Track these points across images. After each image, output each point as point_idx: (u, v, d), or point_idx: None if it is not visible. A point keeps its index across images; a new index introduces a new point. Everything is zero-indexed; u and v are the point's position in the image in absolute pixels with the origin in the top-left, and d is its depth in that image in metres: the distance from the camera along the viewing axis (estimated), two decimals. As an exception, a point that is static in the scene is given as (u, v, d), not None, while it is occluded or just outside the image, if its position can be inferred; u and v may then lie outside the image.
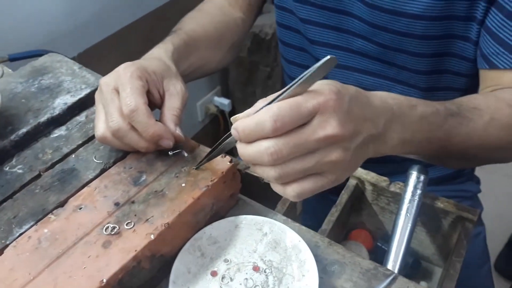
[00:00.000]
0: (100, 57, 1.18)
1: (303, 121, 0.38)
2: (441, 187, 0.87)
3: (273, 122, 0.36)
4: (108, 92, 0.50)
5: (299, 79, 0.38)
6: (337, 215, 0.65)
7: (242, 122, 0.39)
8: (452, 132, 0.51)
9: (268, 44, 1.47)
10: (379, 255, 0.73)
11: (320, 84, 0.40)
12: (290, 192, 0.40)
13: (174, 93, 0.54)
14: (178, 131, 0.51)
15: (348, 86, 0.41)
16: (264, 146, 0.38)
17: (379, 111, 0.44)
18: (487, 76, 0.63)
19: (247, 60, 1.50)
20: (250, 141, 0.39)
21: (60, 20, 1.07)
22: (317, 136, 0.38)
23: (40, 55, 0.74)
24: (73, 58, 1.13)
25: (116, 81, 0.50)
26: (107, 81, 0.51)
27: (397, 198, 0.68)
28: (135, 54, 1.34)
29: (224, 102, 1.62)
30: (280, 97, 0.38)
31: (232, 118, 0.42)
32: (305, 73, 0.37)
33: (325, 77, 0.78)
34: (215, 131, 1.71)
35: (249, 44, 1.46)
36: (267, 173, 0.40)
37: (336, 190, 0.60)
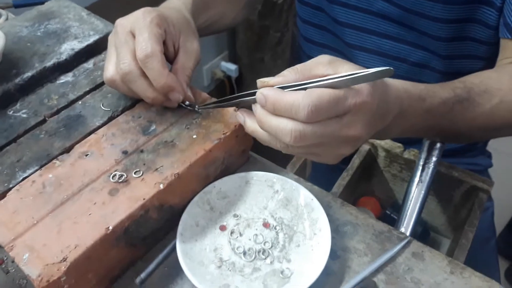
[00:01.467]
0: (106, 12, 1.14)
1: (336, 115, 0.38)
2: (452, 159, 0.85)
3: (310, 110, 0.36)
4: (124, 34, 0.47)
5: (349, 75, 0.37)
6: (348, 179, 0.64)
7: (274, 94, 0.38)
8: (456, 118, 0.52)
9: (279, 8, 1.43)
10: (387, 222, 0.72)
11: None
12: (285, 151, 0.41)
13: (189, 52, 0.52)
14: (189, 93, 0.49)
15: (379, 84, 0.41)
16: (290, 127, 0.37)
17: (391, 107, 0.44)
18: (508, 46, 0.60)
19: (257, 24, 1.46)
20: (276, 113, 0.38)
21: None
22: (343, 133, 0.38)
23: (45, 2, 0.71)
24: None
25: (133, 24, 0.47)
26: (123, 23, 0.48)
27: (411, 166, 0.66)
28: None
29: (231, 67, 1.59)
30: (320, 84, 0.37)
31: (259, 81, 0.40)
32: (356, 72, 0.37)
33: (337, 36, 0.75)
34: (220, 96, 1.68)
35: (259, 7, 1.42)
36: (275, 143, 0.40)
37: (348, 157, 0.58)
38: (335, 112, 0.38)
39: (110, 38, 0.50)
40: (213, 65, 1.59)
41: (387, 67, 0.37)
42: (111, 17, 1.17)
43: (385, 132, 0.47)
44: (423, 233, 0.70)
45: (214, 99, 0.52)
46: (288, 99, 0.37)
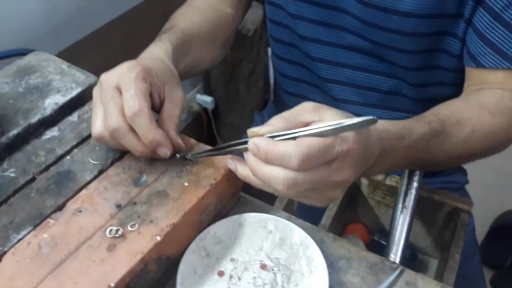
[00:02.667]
0: (81, 56, 1.14)
1: (325, 162, 0.40)
2: (429, 179, 0.88)
3: (301, 160, 0.38)
4: (109, 90, 0.48)
5: (336, 124, 0.39)
6: (335, 210, 0.65)
7: (266, 143, 0.40)
8: (434, 150, 0.55)
9: (250, 40, 1.47)
10: (375, 249, 0.74)
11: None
12: (277, 194, 0.44)
13: (175, 101, 0.52)
14: (179, 140, 0.50)
15: (363, 131, 0.43)
16: (283, 176, 0.40)
17: (373, 149, 0.47)
18: (473, 74, 0.64)
19: (229, 57, 1.49)
20: (268, 162, 0.41)
21: (38, 19, 1.04)
22: (332, 179, 0.41)
23: (23, 54, 0.71)
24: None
25: (119, 79, 0.48)
26: (108, 78, 0.49)
27: (393, 192, 0.68)
28: (115, 52, 1.31)
29: (207, 99, 1.60)
30: (309, 132, 0.40)
31: (249, 131, 0.42)
32: (341, 121, 0.39)
33: (311, 71, 0.77)
34: (198, 129, 1.69)
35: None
36: (268, 188, 0.43)
37: None
38: (324, 160, 0.40)
39: (94, 92, 0.50)
40: (189, 98, 1.60)
41: (371, 117, 0.39)
42: (85, 58, 1.17)
43: (369, 172, 0.49)
44: (411, 255, 0.72)
45: (202, 145, 0.54)
46: (280, 149, 0.40)
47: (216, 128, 1.69)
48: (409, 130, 0.53)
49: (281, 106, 0.93)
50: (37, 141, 0.55)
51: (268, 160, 0.40)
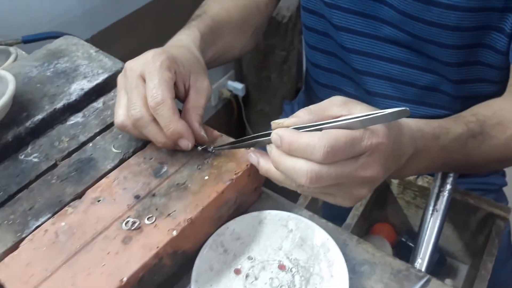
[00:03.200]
0: (113, 40, 1.15)
1: (352, 156, 0.38)
2: (465, 179, 0.84)
3: (326, 151, 0.36)
4: (134, 78, 0.47)
5: (365, 115, 0.37)
6: (361, 209, 0.63)
7: (290, 134, 0.38)
8: (472, 153, 0.52)
9: (284, 27, 1.43)
10: (402, 250, 0.71)
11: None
12: (299, 191, 0.42)
13: (200, 91, 0.51)
14: (202, 132, 0.48)
15: (394, 125, 0.41)
16: (306, 168, 0.37)
17: (406, 147, 0.44)
18: None
19: (262, 43, 1.47)
20: (291, 154, 0.38)
21: (71, 2, 1.04)
22: (359, 174, 0.38)
23: (54, 37, 0.72)
24: (87, 40, 1.11)
25: (143, 67, 0.47)
26: (133, 66, 0.48)
27: (425, 193, 0.65)
28: (147, 37, 1.31)
29: (238, 86, 1.59)
30: (336, 124, 0.37)
31: (273, 122, 0.40)
32: (372, 112, 0.37)
33: (344, 62, 0.74)
34: (228, 116, 1.68)
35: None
36: (290, 183, 0.40)
37: None
38: (351, 153, 0.38)
39: (119, 80, 0.50)
40: (219, 84, 1.59)
41: (403, 108, 0.37)
42: (117, 42, 1.17)
43: (401, 172, 0.47)
44: (440, 259, 0.69)
45: (225, 137, 0.52)
46: (304, 140, 0.37)
47: (246, 116, 1.68)
48: (444, 130, 0.50)
49: (311, 97, 0.90)
50: (61, 127, 0.55)
51: (291, 151, 0.38)
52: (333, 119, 0.39)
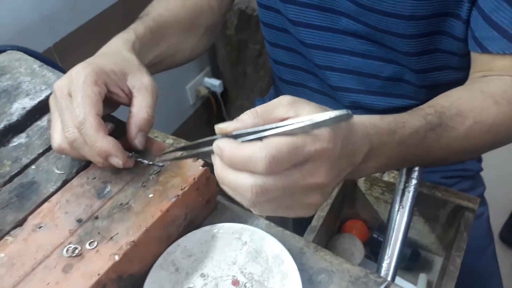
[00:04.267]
0: (78, 47, 1.12)
1: (295, 164, 0.36)
2: (440, 167, 0.83)
3: (268, 163, 0.34)
4: (63, 98, 0.45)
5: (306, 121, 0.34)
6: (327, 210, 0.61)
7: (230, 148, 0.36)
8: (431, 146, 0.50)
9: (256, 20, 1.40)
10: (375, 247, 0.69)
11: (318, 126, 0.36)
12: (255, 211, 0.38)
13: (142, 89, 0.49)
14: (138, 139, 0.46)
15: (341, 125, 0.38)
16: (250, 183, 0.35)
17: (359, 145, 0.42)
18: (478, 60, 0.58)
19: (235, 38, 1.44)
20: (234, 168, 0.36)
21: (30, 10, 1.01)
22: (306, 182, 0.36)
23: (2, 51, 0.69)
24: (49, 49, 1.08)
25: (69, 86, 0.45)
26: (60, 86, 0.46)
27: (392, 188, 0.63)
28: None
29: (215, 83, 1.56)
30: (275, 131, 0.35)
31: (216, 127, 0.38)
32: (313, 116, 0.35)
33: (306, 58, 0.71)
34: (208, 114, 1.66)
35: (236, 21, 1.39)
36: (240, 199, 0.38)
37: None
38: (295, 161, 0.36)
39: (51, 102, 0.47)
40: (196, 82, 1.56)
41: (345, 111, 0.34)
42: (84, 48, 1.14)
43: (358, 172, 0.44)
44: (413, 254, 0.68)
45: (172, 148, 0.50)
46: (244, 153, 0.35)
47: (226, 112, 1.65)
48: (400, 124, 0.48)
49: (279, 94, 0.88)
50: (3, 149, 0.52)
51: (233, 165, 0.36)
52: (280, 121, 0.37)
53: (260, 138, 0.36)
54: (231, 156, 0.36)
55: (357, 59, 0.68)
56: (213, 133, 0.46)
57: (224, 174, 0.37)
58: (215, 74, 1.61)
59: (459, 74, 0.67)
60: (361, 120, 0.45)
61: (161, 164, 0.47)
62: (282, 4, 0.68)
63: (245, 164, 0.35)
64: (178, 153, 0.44)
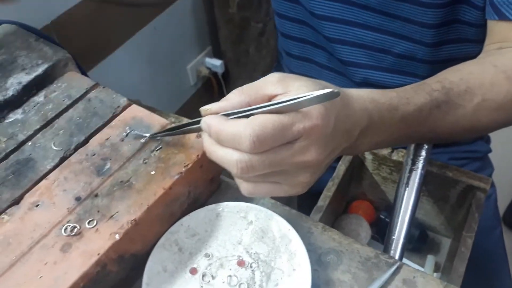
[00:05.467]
0: (76, 23, 1.09)
1: (284, 143, 0.34)
2: (448, 148, 0.81)
3: (252, 141, 0.33)
4: None
5: (292, 99, 0.33)
6: (334, 190, 0.59)
7: (216, 124, 0.35)
8: (436, 124, 0.48)
9: (258, -2, 1.37)
10: (382, 228, 0.68)
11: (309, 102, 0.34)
12: (243, 188, 0.38)
13: None
14: None
15: (335, 101, 0.36)
16: (235, 158, 0.34)
17: (355, 121, 0.40)
18: (494, 28, 0.55)
19: (237, 16, 1.40)
20: (221, 144, 0.35)
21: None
22: (295, 160, 0.35)
23: (-2, 25, 0.66)
24: (47, 26, 1.05)
25: None
26: None
27: (400, 168, 0.61)
28: (115, 18, 1.24)
29: (216, 63, 1.53)
30: (265, 109, 0.34)
31: (201, 109, 0.37)
32: (301, 95, 0.33)
33: (316, 30, 0.69)
34: (209, 95, 1.63)
35: (237, -2, 1.36)
36: (228, 169, 0.36)
37: (334, 164, 0.54)
38: (282, 139, 0.34)
39: None
40: (197, 62, 1.53)
41: (332, 90, 0.33)
42: (81, 25, 1.11)
43: (355, 147, 0.43)
44: (421, 235, 0.66)
45: (174, 124, 0.48)
46: (229, 130, 0.34)
47: (227, 93, 1.62)
48: (404, 100, 0.46)
49: (284, 71, 0.85)
50: (-1, 126, 0.50)
51: (220, 141, 0.35)
52: (268, 99, 0.36)
53: (248, 116, 0.34)
54: (217, 132, 0.35)
55: (368, 32, 0.66)
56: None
57: (211, 149, 0.36)
58: (217, 54, 1.58)
59: (473, 48, 0.64)
60: (358, 94, 0.43)
61: (158, 138, 0.46)
62: None
63: (230, 141, 0.34)
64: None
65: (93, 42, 1.15)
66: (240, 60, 1.53)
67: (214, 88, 1.59)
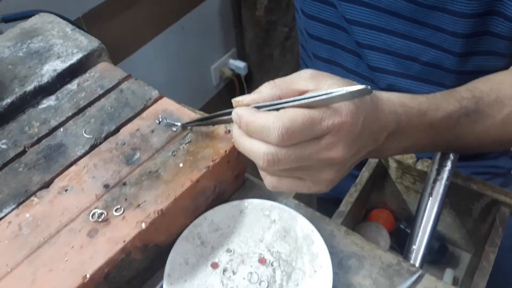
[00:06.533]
0: (106, 18, 1.11)
1: (312, 138, 0.35)
2: (471, 162, 0.80)
3: (280, 134, 0.33)
4: None
5: (324, 94, 0.33)
6: (356, 196, 0.59)
7: (247, 114, 0.35)
8: (464, 131, 0.48)
9: (286, 2, 1.38)
10: (401, 237, 0.67)
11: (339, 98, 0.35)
12: (268, 181, 0.38)
13: None
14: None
15: (366, 100, 0.37)
16: (263, 150, 0.35)
17: (384, 124, 0.40)
18: None
19: (263, 19, 1.41)
20: (250, 135, 0.36)
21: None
22: (321, 156, 0.35)
23: (31, 16, 0.68)
24: (77, 19, 1.07)
25: None
26: None
27: (424, 178, 0.61)
28: (143, 14, 1.26)
29: (239, 65, 1.54)
30: (296, 103, 0.34)
31: (233, 100, 0.37)
32: (332, 90, 0.33)
33: (348, 34, 0.69)
34: (230, 96, 1.63)
35: (266, 2, 1.37)
36: (255, 161, 0.37)
37: (359, 163, 0.54)
38: (311, 134, 0.35)
39: None
40: (221, 63, 1.54)
41: (364, 86, 0.33)
42: (111, 20, 1.13)
43: (381, 151, 0.43)
44: (440, 248, 0.65)
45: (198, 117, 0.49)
46: (259, 122, 0.34)
47: (249, 95, 1.63)
48: (433, 105, 0.46)
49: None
50: (32, 111, 0.51)
51: (249, 132, 0.36)
52: (299, 94, 0.36)
53: (279, 109, 0.35)
54: (247, 122, 0.35)
55: (397, 39, 0.66)
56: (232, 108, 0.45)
57: (240, 140, 0.37)
58: (241, 56, 1.59)
59: (502, 61, 0.64)
60: (389, 97, 0.43)
61: (189, 127, 0.46)
62: None
63: (259, 132, 0.35)
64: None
65: (121, 37, 1.17)
66: (263, 63, 1.53)
67: (236, 89, 1.60)
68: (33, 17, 0.62)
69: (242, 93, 1.62)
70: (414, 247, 0.52)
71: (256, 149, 0.35)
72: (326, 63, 0.78)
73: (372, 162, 0.61)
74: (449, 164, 0.54)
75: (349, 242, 0.45)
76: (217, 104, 1.59)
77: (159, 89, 0.54)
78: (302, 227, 0.43)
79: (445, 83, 0.68)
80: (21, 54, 0.56)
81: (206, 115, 0.47)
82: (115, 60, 0.58)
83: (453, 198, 0.61)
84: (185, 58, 1.40)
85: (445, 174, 0.53)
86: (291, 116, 0.33)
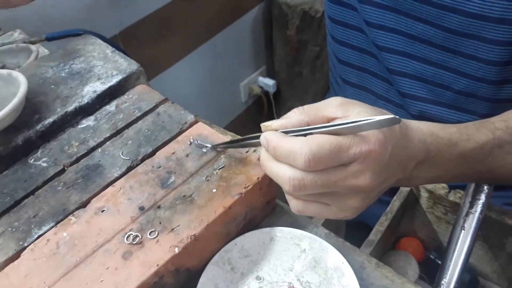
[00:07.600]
0: (142, 35, 1.14)
1: (339, 164, 0.35)
2: (501, 192, 0.78)
3: (307, 159, 0.34)
4: None
5: (352, 122, 0.34)
6: (386, 225, 0.59)
7: (275, 139, 0.36)
8: (497, 164, 0.47)
9: (318, 22, 1.38)
10: (430, 268, 0.66)
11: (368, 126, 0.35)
12: (293, 205, 0.39)
13: None
14: None
15: (394, 129, 0.37)
16: (289, 175, 0.35)
17: (413, 153, 0.40)
18: None
19: (295, 38, 1.42)
20: (277, 159, 0.37)
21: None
22: (347, 183, 0.36)
23: (78, 34, 0.71)
24: (114, 37, 1.11)
25: None
26: None
27: (456, 209, 0.60)
28: (178, 33, 1.29)
29: (269, 83, 1.56)
30: (324, 130, 0.35)
31: (262, 125, 0.39)
32: (361, 119, 0.34)
33: (378, 60, 0.69)
34: (258, 113, 1.65)
35: (297, 22, 1.38)
36: (281, 185, 0.38)
37: (389, 191, 0.54)
38: (338, 161, 0.35)
39: None
40: (250, 81, 1.56)
41: (393, 116, 0.33)
42: (146, 38, 1.16)
43: (410, 179, 0.43)
44: (472, 280, 0.64)
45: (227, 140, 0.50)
46: (286, 146, 0.35)
47: (276, 113, 1.64)
48: (464, 136, 0.46)
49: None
50: (72, 130, 0.53)
51: (276, 156, 0.36)
52: (328, 121, 0.37)
53: (306, 135, 0.36)
54: (275, 147, 0.36)
55: (429, 67, 0.65)
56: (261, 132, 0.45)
57: (267, 164, 0.38)
58: (270, 74, 1.60)
59: None
60: (418, 126, 0.43)
61: (219, 149, 0.48)
62: (358, 3, 0.66)
63: (286, 157, 0.35)
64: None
65: (156, 54, 1.20)
66: (293, 82, 1.54)
67: (264, 107, 1.61)
68: (75, 39, 0.65)
69: (270, 110, 1.63)
70: (445, 280, 0.51)
71: (282, 173, 0.36)
72: (355, 88, 0.78)
73: (404, 191, 0.61)
74: (483, 197, 0.53)
75: (379, 275, 0.44)
76: (245, 120, 1.61)
77: (188, 104, 0.55)
78: (333, 258, 0.43)
79: (479, 111, 0.67)
80: (63, 74, 0.59)
81: (237, 137, 0.48)
82: (149, 75, 0.60)
83: (486, 231, 0.59)
84: (215, 75, 1.43)
85: (478, 207, 0.52)
86: (319, 142, 0.34)
